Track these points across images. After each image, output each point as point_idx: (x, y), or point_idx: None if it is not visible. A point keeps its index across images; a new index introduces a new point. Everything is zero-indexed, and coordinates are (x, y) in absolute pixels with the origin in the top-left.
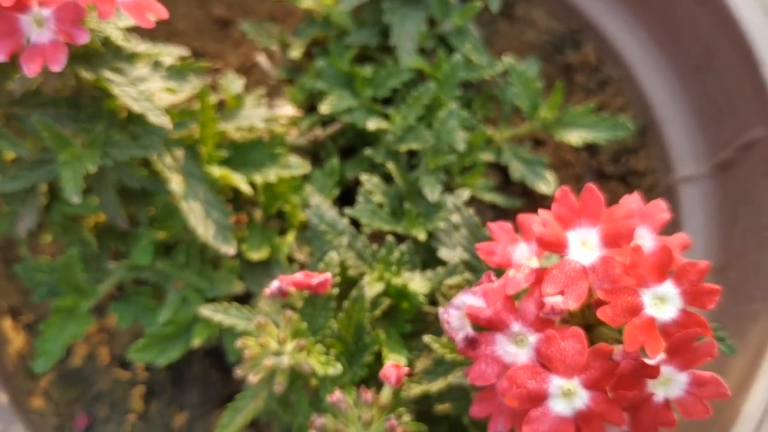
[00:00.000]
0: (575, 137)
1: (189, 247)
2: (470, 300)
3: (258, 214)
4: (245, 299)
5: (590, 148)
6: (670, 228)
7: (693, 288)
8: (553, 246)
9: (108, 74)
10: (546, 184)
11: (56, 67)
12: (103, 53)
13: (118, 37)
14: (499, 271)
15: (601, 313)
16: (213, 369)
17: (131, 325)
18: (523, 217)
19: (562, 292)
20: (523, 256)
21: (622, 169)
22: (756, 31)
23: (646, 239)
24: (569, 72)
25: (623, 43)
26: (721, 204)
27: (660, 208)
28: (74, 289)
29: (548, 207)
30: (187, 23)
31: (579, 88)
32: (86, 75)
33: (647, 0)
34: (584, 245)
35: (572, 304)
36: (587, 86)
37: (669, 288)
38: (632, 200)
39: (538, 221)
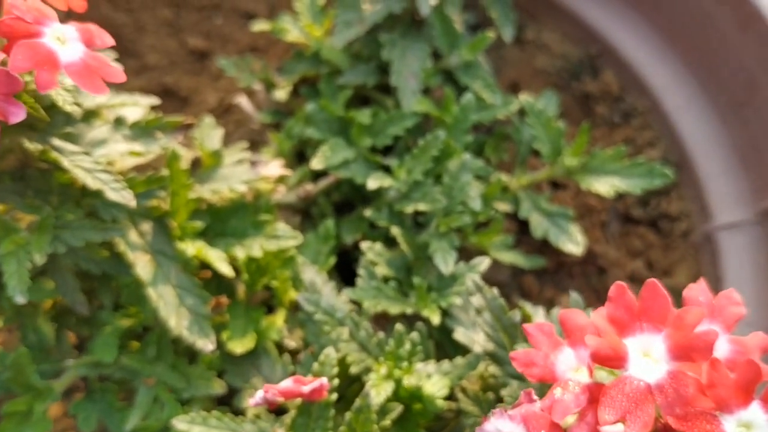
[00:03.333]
0: (605, 186)
1: (160, 337)
2: (506, 427)
3: (241, 291)
4: (228, 397)
5: None
6: (710, 281)
7: None
8: (611, 360)
9: (57, 142)
10: (573, 242)
11: None
12: (48, 120)
13: (66, 102)
14: (541, 387)
15: None
16: None
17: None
18: (566, 315)
19: (623, 419)
20: (570, 366)
21: (652, 213)
22: None
23: (718, 341)
24: (588, 102)
25: (650, 70)
26: None
27: (733, 300)
28: (27, 390)
29: (570, 263)
30: (158, 56)
31: (600, 120)
32: (30, 146)
33: (678, 22)
34: (647, 356)
35: None
36: (610, 119)
37: (757, 412)
38: (699, 291)
39: (585, 321)
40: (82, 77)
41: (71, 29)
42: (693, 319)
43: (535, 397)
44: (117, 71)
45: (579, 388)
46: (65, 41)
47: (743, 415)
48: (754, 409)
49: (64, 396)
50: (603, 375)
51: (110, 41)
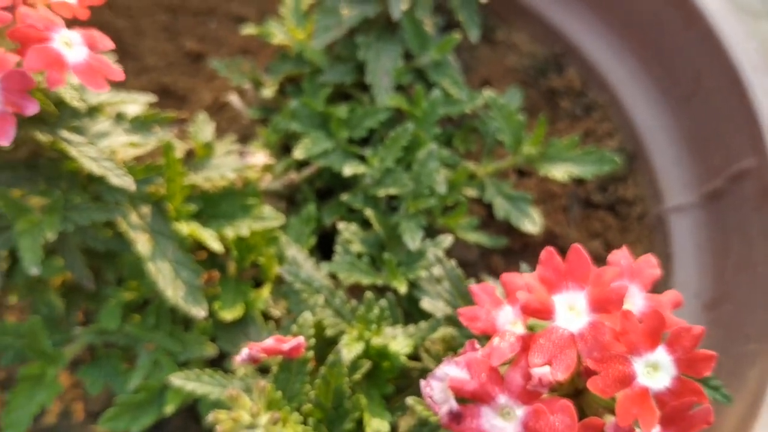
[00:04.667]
0: (560, 172)
1: (159, 307)
2: (453, 371)
3: (231, 268)
4: (220, 360)
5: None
6: (663, 259)
7: (687, 355)
8: (539, 313)
9: (65, 134)
10: (531, 222)
11: (5, 141)
12: (57, 115)
13: (72, 98)
14: (483, 338)
15: (592, 384)
16: (192, 422)
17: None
18: (506, 277)
19: (549, 363)
20: (508, 320)
21: (610, 198)
22: (744, 58)
23: (636, 298)
24: (553, 97)
25: (608, 67)
26: (712, 235)
27: (650, 264)
28: (40, 356)
29: (534, 244)
30: (156, 57)
31: (564, 113)
32: (42, 137)
33: (632, 23)
34: (572, 310)
35: (561, 375)
36: (572, 112)
37: (662, 355)
38: (621, 256)
39: (522, 282)
40: (86, 76)
41: (76, 35)
42: (609, 276)
43: (478, 346)
44: (117, 71)
45: (514, 338)
46: (71, 45)
47: (650, 358)
48: (660, 352)
49: (73, 367)
50: (536, 328)
51: (110, 45)
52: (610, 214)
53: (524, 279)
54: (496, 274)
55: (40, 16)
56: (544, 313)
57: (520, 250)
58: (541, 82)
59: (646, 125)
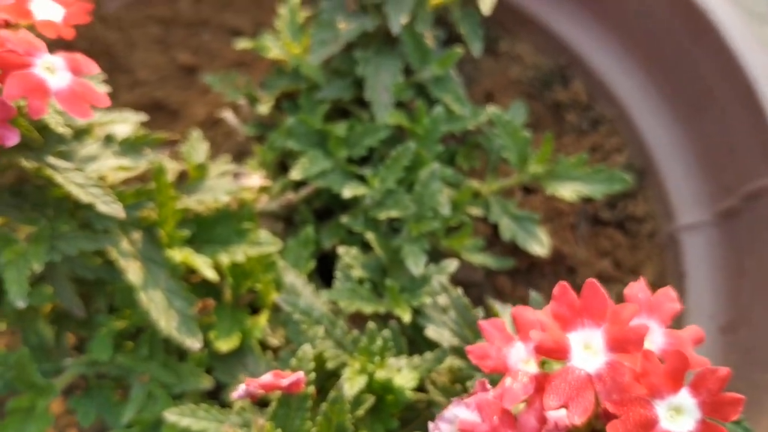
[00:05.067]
0: (569, 191)
1: (152, 337)
2: (464, 413)
3: (227, 294)
4: (216, 392)
5: None
6: (675, 279)
7: (713, 398)
8: (554, 353)
9: (51, 160)
10: (539, 244)
11: None
12: (42, 141)
13: (57, 124)
14: (494, 377)
15: (612, 428)
16: None
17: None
18: (517, 312)
19: (566, 405)
20: (520, 358)
21: (619, 215)
22: (759, 72)
23: (655, 334)
24: (558, 110)
25: (616, 79)
26: (727, 255)
27: (670, 297)
28: (30, 388)
29: (541, 263)
30: (149, 71)
31: (569, 127)
32: (27, 164)
33: (641, 33)
34: (588, 349)
35: (578, 419)
36: (578, 126)
37: (685, 398)
38: (639, 290)
39: (533, 317)
40: (69, 103)
41: (59, 59)
42: (628, 314)
43: (489, 386)
44: (102, 96)
45: (527, 378)
46: (54, 70)
47: (673, 400)
48: (683, 394)
49: (65, 394)
50: (550, 366)
51: (96, 69)
52: (619, 232)
53: (536, 314)
54: (502, 296)
55: (20, 40)
56: (560, 353)
57: (526, 270)
58: (546, 94)
59: (655, 140)
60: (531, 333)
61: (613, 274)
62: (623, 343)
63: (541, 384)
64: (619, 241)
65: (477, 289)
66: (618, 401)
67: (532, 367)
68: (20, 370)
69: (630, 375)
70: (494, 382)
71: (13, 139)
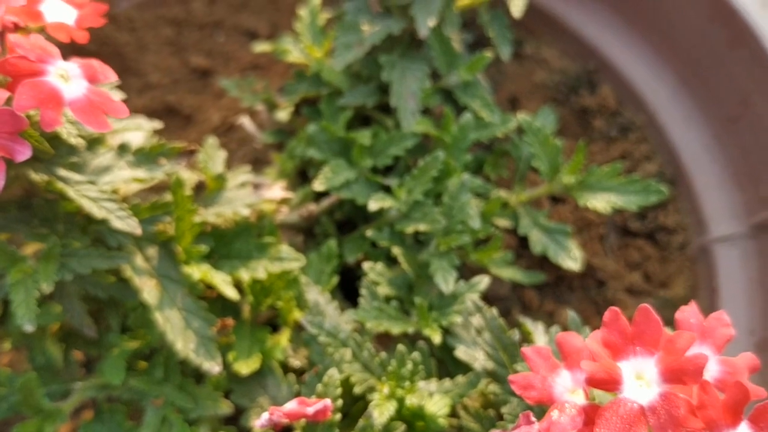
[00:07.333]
0: (602, 203)
1: (167, 358)
2: None
3: (246, 312)
4: (235, 417)
5: None
6: (706, 293)
7: None
8: (606, 384)
9: (62, 172)
10: (572, 258)
11: None
12: (53, 153)
13: (70, 134)
14: (539, 408)
15: None
16: None
17: None
18: (563, 338)
19: None
20: (567, 388)
21: (649, 226)
22: None
23: (709, 363)
24: (585, 116)
25: (646, 85)
26: (763, 268)
27: (723, 322)
28: (37, 413)
29: (570, 276)
30: (161, 74)
31: (597, 134)
32: (36, 177)
33: (673, 39)
34: (640, 379)
35: None
36: (607, 133)
37: None
38: (690, 314)
39: (580, 342)
40: (85, 114)
41: (74, 66)
42: (684, 343)
43: (534, 419)
44: (120, 106)
45: (575, 410)
46: (69, 78)
47: None
48: (743, 429)
49: (74, 414)
50: (599, 396)
51: (113, 76)
52: (649, 243)
53: (582, 341)
54: (529, 310)
55: (32, 45)
56: (612, 384)
57: (554, 283)
58: (573, 100)
59: (687, 149)
60: (582, 363)
61: (643, 288)
62: (679, 373)
63: (590, 417)
64: (649, 253)
65: (503, 302)
66: None
67: (580, 398)
68: (27, 394)
69: (686, 408)
70: (539, 415)
71: (24, 154)
